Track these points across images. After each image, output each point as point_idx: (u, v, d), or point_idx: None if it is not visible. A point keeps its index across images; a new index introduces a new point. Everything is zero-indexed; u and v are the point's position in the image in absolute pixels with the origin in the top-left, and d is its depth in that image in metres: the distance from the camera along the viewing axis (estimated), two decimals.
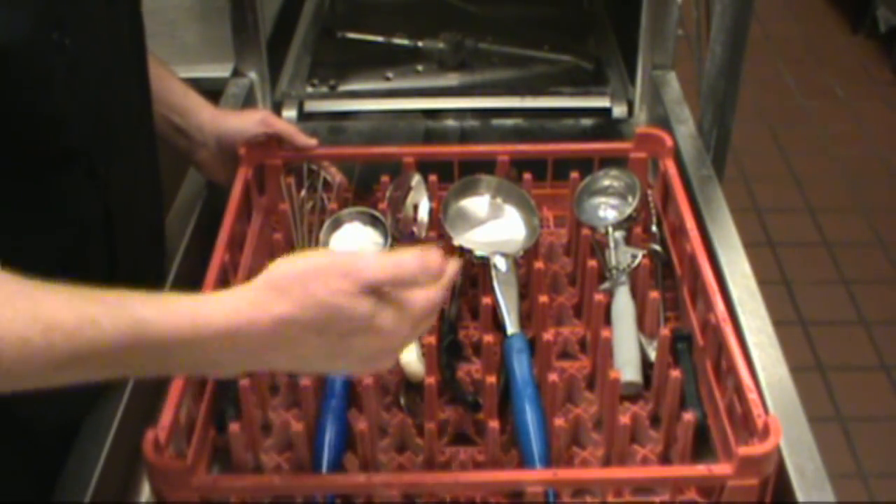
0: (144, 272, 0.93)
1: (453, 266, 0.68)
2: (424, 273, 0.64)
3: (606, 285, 0.98)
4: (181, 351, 0.59)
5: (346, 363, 0.65)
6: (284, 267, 0.62)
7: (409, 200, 1.06)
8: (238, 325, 0.60)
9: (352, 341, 0.63)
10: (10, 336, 0.55)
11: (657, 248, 1.02)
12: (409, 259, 0.64)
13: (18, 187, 0.75)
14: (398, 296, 0.64)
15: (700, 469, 0.76)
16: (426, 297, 0.65)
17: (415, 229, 1.04)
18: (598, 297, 0.93)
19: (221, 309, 0.60)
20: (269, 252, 1.03)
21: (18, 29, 0.69)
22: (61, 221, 0.80)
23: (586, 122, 1.33)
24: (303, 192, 1.06)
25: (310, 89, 1.38)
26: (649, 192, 1.07)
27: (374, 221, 1.02)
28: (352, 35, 1.51)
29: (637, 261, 0.98)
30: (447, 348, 0.93)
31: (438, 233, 1.03)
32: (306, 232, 1.03)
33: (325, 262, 0.62)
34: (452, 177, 1.07)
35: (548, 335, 0.89)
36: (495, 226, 1.03)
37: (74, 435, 0.82)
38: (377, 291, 0.62)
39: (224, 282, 0.94)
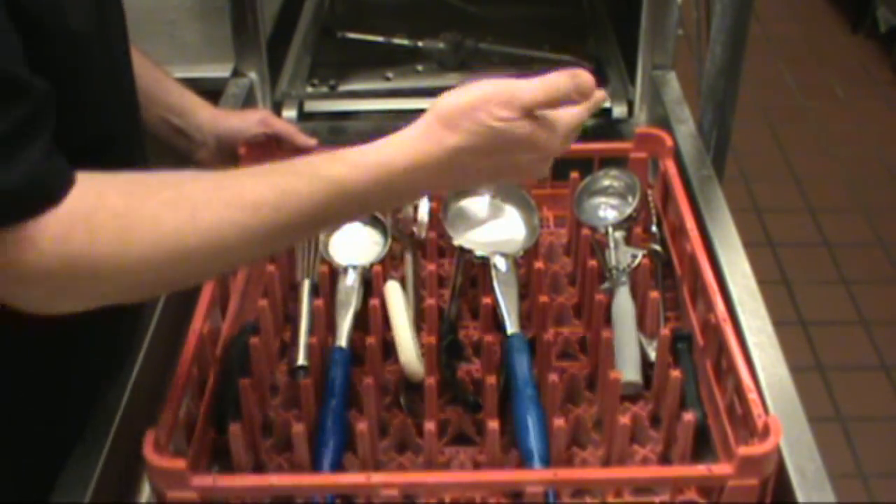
0: None
1: (601, 93, 0.77)
2: (576, 92, 0.72)
3: (606, 285, 0.98)
4: (375, 194, 0.68)
5: (510, 175, 0.75)
6: (450, 100, 0.70)
7: None
8: (419, 161, 0.68)
9: (515, 158, 0.72)
10: (226, 223, 0.63)
11: (657, 248, 1.02)
12: (563, 81, 0.71)
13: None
14: (553, 115, 0.72)
15: (700, 469, 0.76)
16: (574, 114, 0.74)
17: (415, 229, 1.05)
18: (598, 297, 0.93)
19: (402, 150, 0.69)
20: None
21: (87, 15, 0.71)
22: None
23: (586, 122, 1.33)
24: None
25: (310, 89, 1.38)
26: (649, 192, 1.07)
27: (374, 221, 1.02)
28: (352, 35, 1.51)
29: (637, 261, 0.98)
30: (447, 348, 0.93)
31: (438, 233, 1.03)
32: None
33: (488, 91, 0.69)
34: None
35: (548, 335, 0.89)
36: (495, 226, 1.03)
37: (75, 435, 0.82)
38: (534, 113, 0.70)
39: (223, 281, 0.94)
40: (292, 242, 0.68)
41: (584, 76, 0.72)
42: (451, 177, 0.71)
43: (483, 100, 0.69)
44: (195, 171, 0.65)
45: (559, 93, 0.71)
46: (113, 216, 0.60)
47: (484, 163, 0.71)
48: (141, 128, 0.95)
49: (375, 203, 0.72)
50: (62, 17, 0.68)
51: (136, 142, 0.90)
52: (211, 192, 0.64)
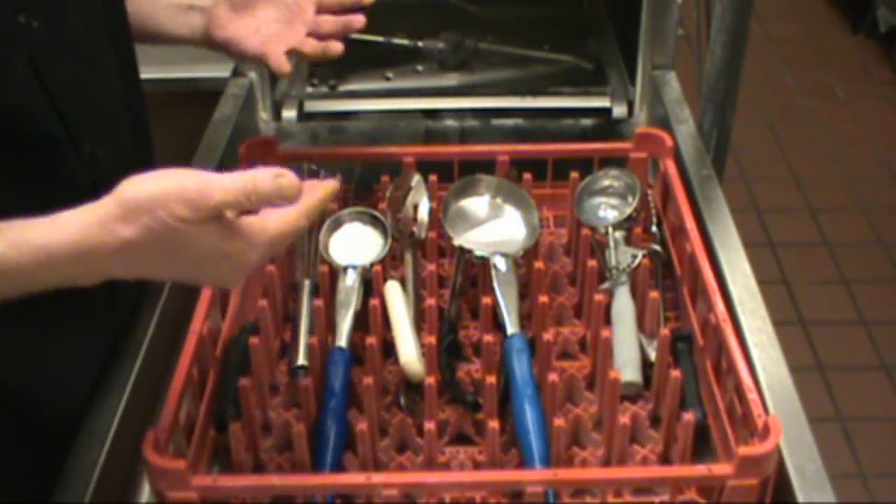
0: None
1: (323, 189, 0.69)
2: (277, 195, 0.63)
3: (606, 285, 0.98)
4: (39, 277, 0.62)
5: (198, 280, 0.69)
6: (134, 187, 0.62)
7: (409, 200, 1.06)
8: (87, 249, 0.61)
9: (202, 266, 0.64)
10: None
11: (657, 248, 1.02)
12: (262, 181, 0.62)
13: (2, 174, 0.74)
14: (251, 221, 0.64)
15: (700, 469, 0.76)
16: (281, 221, 0.66)
17: (415, 229, 1.05)
18: (598, 297, 0.93)
19: (68, 234, 0.61)
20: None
21: None
22: (51, 201, 0.79)
23: (586, 122, 1.33)
24: None
25: (310, 89, 1.38)
26: (649, 192, 1.07)
27: (374, 221, 1.02)
28: (352, 35, 1.51)
29: (637, 261, 0.98)
30: (447, 348, 0.93)
31: (439, 233, 1.03)
32: (306, 232, 1.03)
33: (174, 186, 0.61)
34: (452, 177, 1.07)
35: (548, 335, 0.89)
36: (495, 226, 1.03)
37: (75, 434, 0.82)
38: (225, 217, 0.63)
39: None
40: None
41: (288, 177, 0.63)
42: (131, 269, 0.64)
43: (166, 195, 0.61)
44: None
45: (258, 195, 0.63)
46: None
47: (164, 264, 0.64)
48: (130, 122, 0.92)
49: (43, 284, 0.63)
50: None
51: (116, 137, 0.87)
52: None
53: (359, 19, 0.99)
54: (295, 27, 0.98)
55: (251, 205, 0.63)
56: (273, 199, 0.64)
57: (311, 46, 0.98)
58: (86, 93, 0.81)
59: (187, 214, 0.61)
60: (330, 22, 0.99)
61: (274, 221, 0.66)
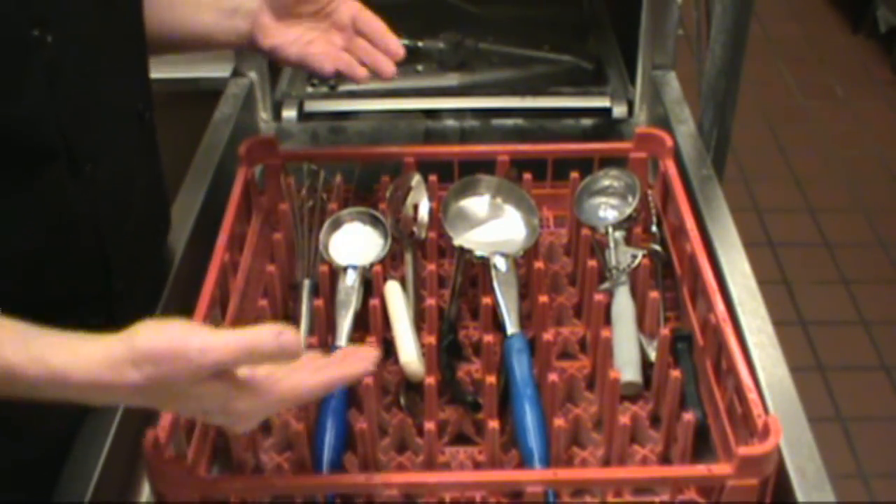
0: (142, 271, 0.93)
1: (354, 368, 0.70)
2: (279, 353, 0.64)
3: (606, 285, 0.98)
4: (50, 393, 0.64)
5: (207, 419, 0.72)
6: (145, 336, 0.64)
7: (409, 200, 1.06)
8: (97, 385, 0.64)
9: (210, 414, 0.67)
10: None
11: (657, 248, 1.02)
12: (263, 339, 0.64)
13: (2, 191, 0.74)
14: (259, 378, 0.66)
15: (700, 469, 0.76)
16: (291, 382, 0.67)
17: (415, 229, 1.05)
18: (598, 297, 0.93)
19: (81, 369, 0.64)
20: (269, 252, 1.04)
21: None
22: (45, 220, 0.79)
23: (586, 122, 1.33)
24: (303, 192, 1.06)
25: (310, 89, 1.38)
26: (649, 192, 1.07)
27: (374, 221, 1.02)
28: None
29: (637, 261, 0.98)
30: (447, 348, 0.93)
31: (439, 233, 1.03)
32: (306, 232, 1.03)
33: (178, 344, 0.63)
34: (452, 177, 1.08)
35: (548, 335, 0.89)
36: (495, 226, 1.03)
37: (74, 435, 0.82)
38: (231, 374, 0.65)
39: (224, 282, 0.94)
40: None
41: (289, 336, 0.64)
42: (140, 403, 0.67)
43: (171, 352, 0.63)
44: None
45: (258, 353, 0.64)
46: None
47: (172, 405, 0.69)
48: (140, 137, 0.93)
49: (54, 398, 0.66)
50: None
51: (124, 152, 0.88)
52: None
53: (389, 69, 0.99)
54: (332, 37, 0.99)
55: (254, 363, 0.65)
56: (275, 357, 0.65)
57: (363, 72, 0.99)
58: (94, 109, 0.82)
59: (187, 374, 0.63)
60: (364, 50, 0.99)
61: (287, 380, 0.67)
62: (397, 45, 0.99)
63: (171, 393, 0.64)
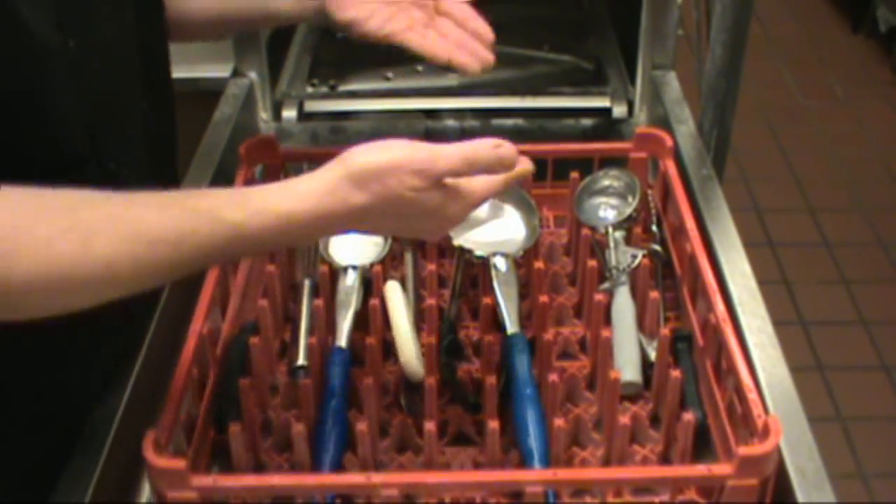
0: None
1: (527, 165, 0.76)
2: (498, 163, 0.71)
3: (606, 285, 0.98)
4: (273, 241, 0.68)
5: (407, 234, 0.78)
6: (362, 157, 0.68)
7: None
8: (321, 215, 0.67)
9: (420, 222, 0.71)
10: (122, 255, 0.62)
11: (657, 248, 1.02)
12: (483, 150, 0.69)
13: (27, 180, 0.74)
14: (465, 185, 0.71)
15: (700, 469, 0.76)
16: (487, 184, 0.73)
17: None
18: (598, 297, 0.93)
19: (306, 203, 0.67)
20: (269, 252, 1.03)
21: (20, 30, 0.68)
22: None
23: (586, 122, 1.33)
24: None
25: (310, 89, 1.38)
26: (649, 192, 1.08)
27: None
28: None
29: (637, 261, 0.98)
30: (447, 348, 0.93)
31: None
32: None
33: (402, 155, 0.68)
34: None
35: (548, 335, 0.89)
36: (495, 226, 1.03)
37: (75, 435, 0.82)
38: (446, 182, 0.69)
39: (224, 282, 0.94)
40: (184, 277, 0.67)
41: (507, 148, 0.71)
42: (350, 228, 0.71)
43: (396, 165, 0.67)
44: (93, 195, 0.64)
45: (478, 163, 0.70)
46: (0, 237, 0.59)
47: (386, 224, 0.71)
48: (156, 144, 0.92)
49: (273, 247, 0.72)
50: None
51: (141, 158, 0.88)
52: (107, 222, 0.63)
53: (488, 57, 0.93)
54: (412, 12, 0.95)
55: (471, 172, 0.70)
56: (493, 167, 0.71)
57: (476, 65, 0.93)
58: (115, 110, 0.82)
59: (417, 183, 0.68)
60: (454, 34, 0.94)
61: (480, 185, 0.73)
62: (486, 28, 0.94)
63: (392, 210, 0.68)
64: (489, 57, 0.94)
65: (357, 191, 0.67)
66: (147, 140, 0.92)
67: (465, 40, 0.94)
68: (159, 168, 0.95)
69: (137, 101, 0.88)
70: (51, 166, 0.75)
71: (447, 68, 0.95)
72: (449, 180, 0.70)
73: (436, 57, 0.93)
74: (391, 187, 0.67)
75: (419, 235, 0.77)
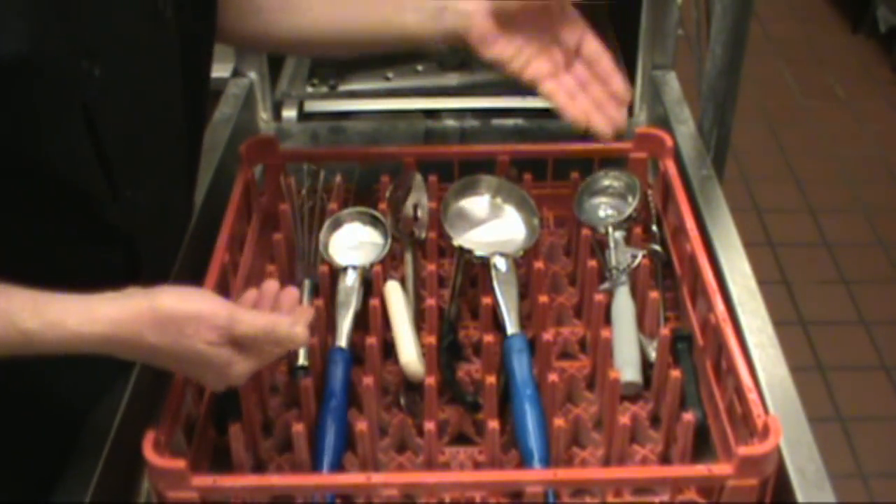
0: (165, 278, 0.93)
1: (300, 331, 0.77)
2: (289, 341, 0.74)
3: (606, 285, 0.98)
4: (66, 351, 0.68)
5: (195, 379, 0.78)
6: (170, 302, 0.69)
7: (409, 200, 1.06)
8: (112, 341, 0.69)
9: (204, 374, 0.73)
10: None
11: (657, 248, 1.02)
12: (283, 329, 0.73)
13: (39, 206, 0.75)
14: (256, 349, 0.73)
15: (700, 469, 0.76)
16: (277, 350, 0.75)
17: (415, 229, 1.05)
18: (598, 297, 0.93)
19: (99, 326, 0.68)
20: (269, 252, 1.04)
21: (40, 53, 0.66)
22: (79, 236, 0.79)
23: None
24: (303, 192, 1.06)
25: (310, 89, 1.38)
26: (649, 192, 1.08)
27: (374, 221, 1.02)
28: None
29: (637, 261, 0.98)
30: (447, 348, 0.93)
31: (439, 232, 1.03)
32: (306, 232, 1.03)
33: (207, 311, 0.70)
34: (452, 177, 1.07)
35: (548, 335, 0.89)
36: (495, 226, 1.03)
37: (75, 435, 0.82)
38: (235, 342, 0.71)
39: (224, 282, 0.94)
40: None
41: (302, 330, 0.74)
42: (137, 360, 0.77)
43: (198, 316, 0.70)
44: None
45: (274, 337, 0.73)
46: None
47: (171, 365, 0.74)
48: (183, 161, 0.91)
49: (70, 354, 0.70)
50: None
51: (164, 175, 0.87)
52: None
53: (621, 119, 0.90)
54: (554, 55, 0.91)
55: (265, 342, 0.73)
56: (284, 344, 0.75)
57: (609, 129, 0.90)
58: (139, 142, 0.81)
59: (212, 338, 0.70)
60: (590, 89, 0.90)
61: (269, 346, 0.75)
62: (624, 88, 0.90)
63: (182, 356, 0.70)
64: (623, 122, 0.90)
65: (153, 331, 0.69)
66: (178, 169, 0.91)
67: (603, 102, 0.90)
68: (182, 194, 0.95)
69: (173, 132, 0.87)
70: (57, 195, 0.74)
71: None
72: (242, 339, 0.72)
73: (575, 120, 0.89)
74: (187, 335, 0.69)
75: (201, 383, 0.79)
